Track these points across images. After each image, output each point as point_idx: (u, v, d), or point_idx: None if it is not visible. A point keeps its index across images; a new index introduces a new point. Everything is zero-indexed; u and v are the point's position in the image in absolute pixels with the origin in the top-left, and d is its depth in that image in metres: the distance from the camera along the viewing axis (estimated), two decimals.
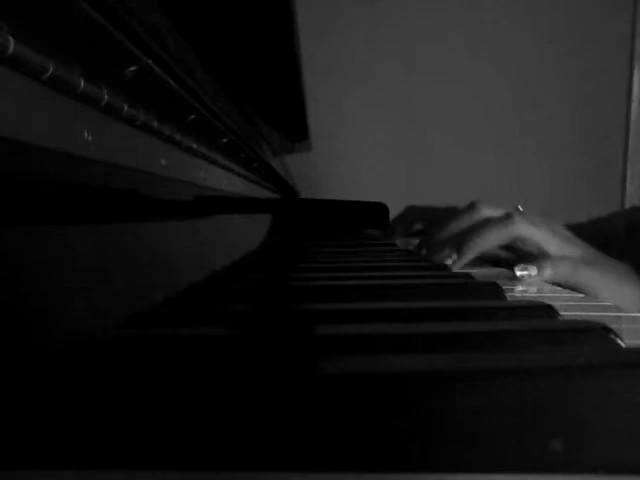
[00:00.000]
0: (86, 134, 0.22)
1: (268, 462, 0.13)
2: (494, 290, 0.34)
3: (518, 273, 0.47)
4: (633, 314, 0.32)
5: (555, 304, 0.26)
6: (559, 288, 0.43)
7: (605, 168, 1.71)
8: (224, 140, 0.45)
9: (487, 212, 0.56)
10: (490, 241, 0.49)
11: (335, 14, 1.63)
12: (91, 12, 0.20)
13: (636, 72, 1.69)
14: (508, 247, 0.54)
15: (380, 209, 0.92)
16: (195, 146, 0.38)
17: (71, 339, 0.19)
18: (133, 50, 0.24)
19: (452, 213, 0.62)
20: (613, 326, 0.21)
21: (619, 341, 0.20)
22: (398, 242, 0.83)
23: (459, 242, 0.52)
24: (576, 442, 0.14)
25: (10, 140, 0.17)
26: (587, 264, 0.51)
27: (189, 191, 0.40)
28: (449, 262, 0.52)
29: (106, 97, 0.22)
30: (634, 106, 1.69)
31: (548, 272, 0.48)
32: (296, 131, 0.97)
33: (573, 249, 0.52)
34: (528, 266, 0.48)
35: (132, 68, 0.24)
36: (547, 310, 0.26)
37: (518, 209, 0.57)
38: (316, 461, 0.13)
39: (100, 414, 0.14)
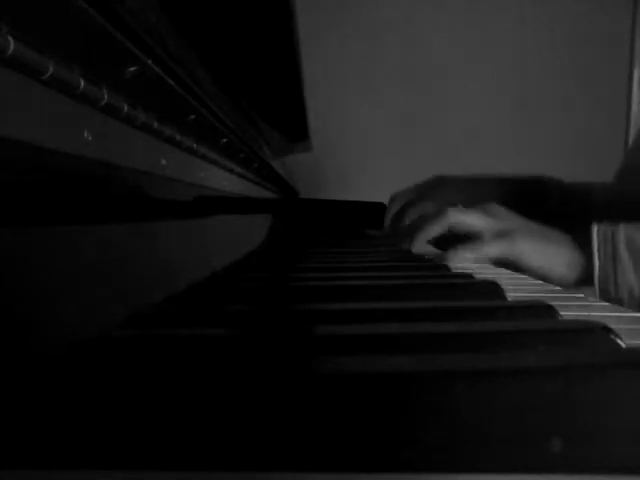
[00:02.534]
0: (86, 134, 0.22)
1: (267, 462, 0.13)
2: (494, 290, 0.34)
3: (452, 260, 0.59)
4: (633, 314, 0.32)
5: (555, 304, 0.27)
6: (557, 288, 0.43)
7: (605, 168, 1.71)
8: (224, 140, 0.45)
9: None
10: (432, 232, 0.63)
11: (335, 14, 1.63)
12: (91, 12, 0.20)
13: (636, 72, 1.69)
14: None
15: (380, 209, 0.92)
16: (195, 146, 0.38)
17: (71, 339, 0.19)
18: (133, 50, 0.24)
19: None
20: (613, 326, 0.21)
21: (619, 341, 0.20)
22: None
23: (409, 235, 0.66)
24: (576, 442, 0.14)
25: (10, 140, 0.17)
26: (520, 235, 0.61)
27: (189, 191, 0.40)
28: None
29: (106, 97, 0.22)
30: (634, 106, 1.69)
31: (485, 252, 0.59)
32: (296, 131, 0.97)
33: (501, 223, 0.62)
34: (459, 252, 0.59)
35: (132, 68, 0.24)
36: (547, 310, 0.26)
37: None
38: (315, 461, 0.13)
39: (99, 414, 0.14)
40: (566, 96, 1.69)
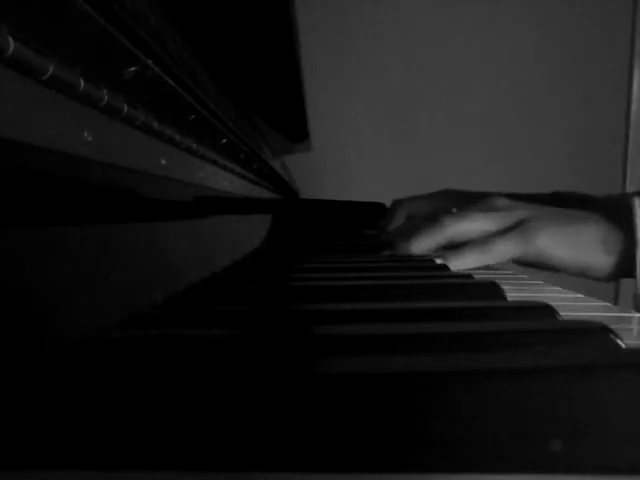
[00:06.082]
0: (86, 134, 0.22)
1: (267, 463, 0.13)
2: (494, 290, 0.34)
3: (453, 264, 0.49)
4: (633, 314, 0.32)
5: (555, 304, 0.27)
6: (558, 288, 0.43)
7: (605, 169, 1.71)
8: (224, 140, 0.45)
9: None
10: (426, 246, 0.53)
11: (335, 14, 1.63)
12: (91, 12, 0.20)
13: (636, 72, 1.69)
14: None
15: (379, 209, 0.92)
16: (195, 146, 0.38)
17: (70, 339, 0.19)
18: (133, 50, 0.24)
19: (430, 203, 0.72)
20: (613, 326, 0.21)
21: (619, 341, 0.20)
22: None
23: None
24: (576, 442, 0.14)
25: (10, 140, 0.17)
26: (533, 223, 0.49)
27: (189, 191, 0.40)
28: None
29: (106, 97, 0.22)
30: (634, 106, 1.69)
31: (496, 254, 0.49)
32: (296, 131, 0.97)
33: (507, 215, 0.51)
34: (460, 255, 0.50)
35: (132, 68, 0.24)
36: (547, 310, 0.26)
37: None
38: (315, 461, 0.13)
39: (99, 414, 0.14)
40: (566, 96, 1.69)
